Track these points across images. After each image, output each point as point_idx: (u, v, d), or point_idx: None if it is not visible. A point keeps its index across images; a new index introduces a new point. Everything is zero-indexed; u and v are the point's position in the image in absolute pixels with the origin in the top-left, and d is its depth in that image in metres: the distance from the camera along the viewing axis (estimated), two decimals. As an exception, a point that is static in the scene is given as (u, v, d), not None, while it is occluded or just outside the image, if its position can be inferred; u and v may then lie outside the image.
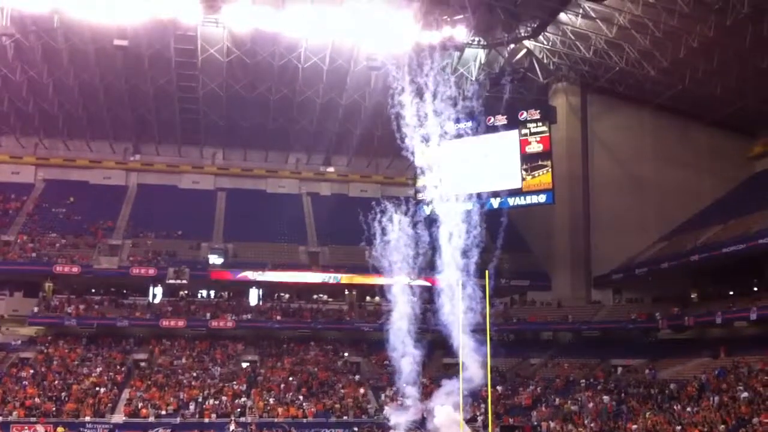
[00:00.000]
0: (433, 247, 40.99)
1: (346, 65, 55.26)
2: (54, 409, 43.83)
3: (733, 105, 53.67)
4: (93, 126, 62.79)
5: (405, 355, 40.12)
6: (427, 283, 42.62)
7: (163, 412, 44.83)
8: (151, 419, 44.00)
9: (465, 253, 39.07)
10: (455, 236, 40.69)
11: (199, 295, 59.12)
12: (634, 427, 35.98)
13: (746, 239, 43.09)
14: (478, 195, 49.91)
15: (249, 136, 64.50)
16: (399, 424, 40.64)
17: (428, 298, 41.41)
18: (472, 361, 35.07)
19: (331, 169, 68.97)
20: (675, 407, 37.36)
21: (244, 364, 53.16)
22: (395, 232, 42.32)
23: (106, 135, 64.02)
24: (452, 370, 39.19)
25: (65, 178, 64.48)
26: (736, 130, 58.66)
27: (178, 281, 54.32)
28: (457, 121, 47.65)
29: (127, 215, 62.41)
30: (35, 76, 55.28)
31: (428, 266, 41.46)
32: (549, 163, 52.97)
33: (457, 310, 34.99)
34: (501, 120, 53.99)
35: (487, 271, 33.49)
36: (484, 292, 31.89)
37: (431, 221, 39.86)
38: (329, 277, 56.68)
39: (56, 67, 54.95)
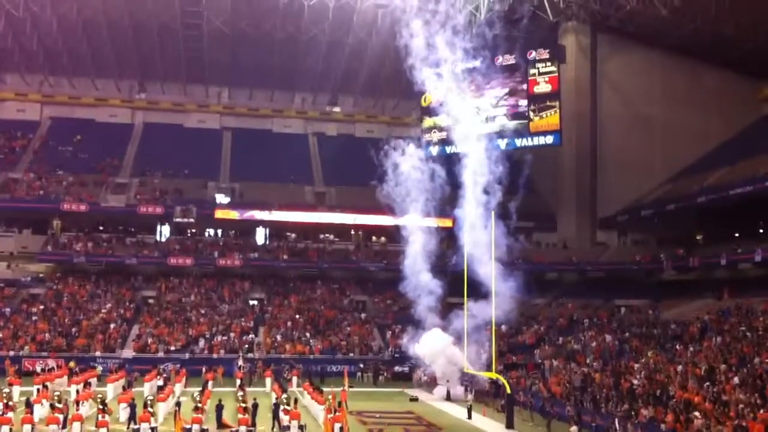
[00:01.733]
0: (442, 187, 41.19)
1: (353, 3, 54.46)
2: (65, 344, 44.59)
3: (744, 47, 52.97)
4: (98, 63, 62.45)
5: (417, 292, 40.72)
6: (436, 223, 42.81)
7: (172, 348, 45.59)
8: (161, 354, 44.74)
9: (473, 194, 39.32)
10: (463, 177, 40.96)
11: (206, 234, 59.43)
12: (636, 365, 36.44)
13: (754, 181, 42.93)
14: (486, 136, 49.80)
15: (254, 75, 64.08)
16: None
17: (438, 238, 41.61)
18: (479, 300, 35.56)
19: (337, 109, 68.68)
20: (677, 347, 37.78)
21: (252, 302, 53.76)
22: (402, 172, 42.59)
23: (111, 73, 63.73)
24: (457, 308, 39.63)
25: (71, 115, 64.49)
26: (745, 72, 57.97)
27: (186, 220, 54.67)
28: (466, 59, 47.35)
29: (134, 154, 62.55)
30: (38, 12, 54.67)
31: (438, 206, 41.72)
32: (557, 103, 52.62)
33: (466, 249, 35.34)
34: (509, 59, 53.42)
35: (493, 212, 33.71)
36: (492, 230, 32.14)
37: (441, 161, 39.95)
38: (336, 218, 56.91)
39: (60, 3, 54.30)
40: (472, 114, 51.02)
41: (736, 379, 28.82)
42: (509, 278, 36.92)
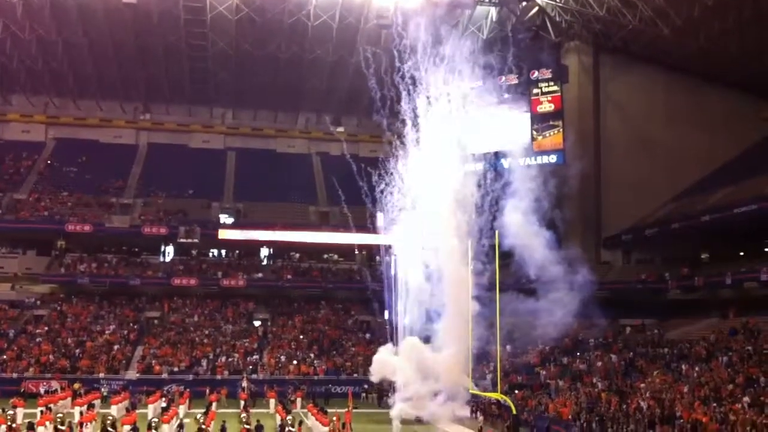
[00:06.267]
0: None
1: (356, 23, 54.72)
2: (68, 365, 44.47)
3: (748, 66, 52.98)
4: (103, 85, 62.75)
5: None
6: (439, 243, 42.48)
7: (176, 369, 45.49)
8: (165, 376, 44.65)
9: (477, 214, 39.23)
10: (469, 197, 40.93)
11: (210, 254, 59.42)
12: (642, 386, 36.25)
13: (758, 200, 42.74)
14: (489, 155, 49.87)
15: (259, 96, 64.31)
16: None
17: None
18: (481, 320, 35.38)
19: (341, 129, 68.62)
20: (683, 367, 37.56)
21: (256, 323, 53.64)
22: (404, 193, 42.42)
23: (116, 94, 64.03)
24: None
25: (76, 136, 64.74)
26: (749, 90, 57.94)
27: (190, 240, 54.68)
28: (469, 80, 47.38)
29: (138, 174, 62.70)
30: (44, 35, 55.03)
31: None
32: (560, 123, 52.55)
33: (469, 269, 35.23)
34: (512, 79, 53.50)
35: (497, 231, 33.62)
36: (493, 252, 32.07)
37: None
38: (340, 237, 56.72)
39: (65, 25, 54.68)
40: (474, 134, 51.02)
41: (745, 399, 28.63)
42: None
